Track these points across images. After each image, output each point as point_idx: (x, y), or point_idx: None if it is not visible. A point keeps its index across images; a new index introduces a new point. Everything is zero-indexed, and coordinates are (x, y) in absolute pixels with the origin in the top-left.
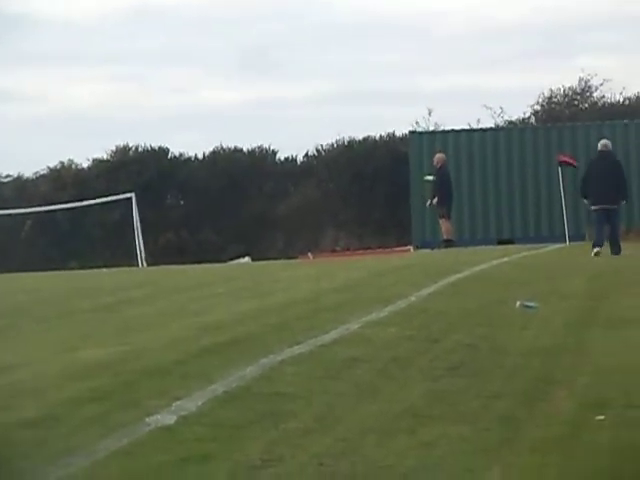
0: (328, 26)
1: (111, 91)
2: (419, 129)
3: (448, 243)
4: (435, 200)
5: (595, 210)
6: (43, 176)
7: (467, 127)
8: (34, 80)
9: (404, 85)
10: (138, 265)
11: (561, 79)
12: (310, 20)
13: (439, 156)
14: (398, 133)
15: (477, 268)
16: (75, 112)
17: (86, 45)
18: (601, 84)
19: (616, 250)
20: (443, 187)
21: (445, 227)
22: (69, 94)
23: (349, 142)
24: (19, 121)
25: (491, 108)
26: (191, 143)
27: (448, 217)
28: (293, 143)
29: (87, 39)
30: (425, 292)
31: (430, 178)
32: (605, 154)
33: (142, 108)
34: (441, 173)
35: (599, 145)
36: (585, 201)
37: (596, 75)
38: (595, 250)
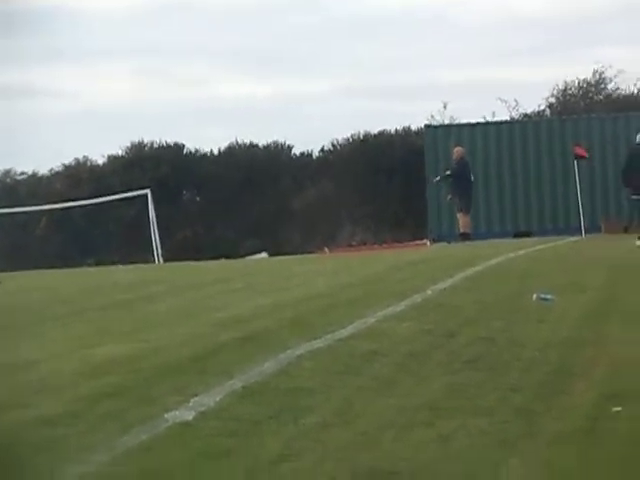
0: (341, 20)
1: (126, 86)
2: (434, 123)
3: (465, 237)
4: (452, 194)
5: (638, 200)
6: (58, 173)
7: (482, 120)
8: (50, 75)
9: (419, 78)
10: (155, 261)
11: (575, 71)
12: (323, 14)
13: (458, 149)
14: (413, 127)
15: (493, 261)
16: (90, 107)
17: (102, 40)
18: (615, 76)
19: None
20: (462, 180)
21: (463, 221)
22: (85, 89)
23: (364, 136)
24: (34, 117)
25: (506, 101)
26: (207, 138)
27: (467, 211)
28: (309, 138)
29: (103, 33)
30: (441, 286)
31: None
32: None
33: (157, 103)
34: (460, 166)
35: (638, 137)
36: (627, 190)
37: (610, 67)
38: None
